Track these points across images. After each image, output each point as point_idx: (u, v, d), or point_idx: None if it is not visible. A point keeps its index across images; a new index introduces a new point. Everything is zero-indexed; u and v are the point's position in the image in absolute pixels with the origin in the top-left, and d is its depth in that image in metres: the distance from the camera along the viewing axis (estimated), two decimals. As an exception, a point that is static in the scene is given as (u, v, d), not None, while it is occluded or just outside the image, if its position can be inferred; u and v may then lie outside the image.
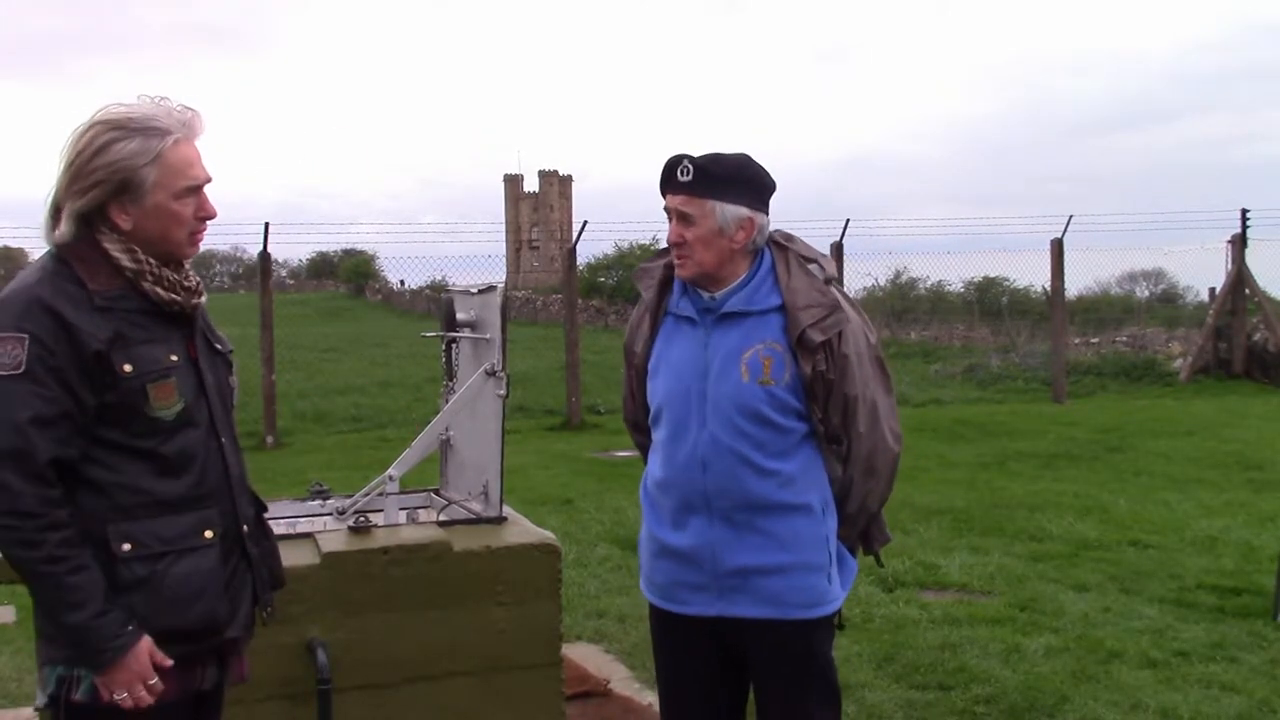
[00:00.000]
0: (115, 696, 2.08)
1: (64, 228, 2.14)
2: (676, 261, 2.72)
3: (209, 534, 2.19)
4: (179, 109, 2.20)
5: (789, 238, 2.79)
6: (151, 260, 2.16)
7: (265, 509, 2.45)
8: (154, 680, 2.10)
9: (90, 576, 2.05)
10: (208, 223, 2.24)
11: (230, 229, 15.71)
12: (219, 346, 2.34)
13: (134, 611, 2.09)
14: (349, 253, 54.53)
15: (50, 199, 2.17)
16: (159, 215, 2.15)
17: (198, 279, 2.27)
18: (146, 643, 2.09)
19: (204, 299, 2.27)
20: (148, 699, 2.09)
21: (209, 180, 2.22)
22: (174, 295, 2.18)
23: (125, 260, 2.14)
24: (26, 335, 2.04)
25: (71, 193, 2.13)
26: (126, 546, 2.10)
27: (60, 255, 2.15)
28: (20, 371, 2.03)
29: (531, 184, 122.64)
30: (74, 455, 2.08)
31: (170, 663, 2.12)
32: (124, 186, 2.12)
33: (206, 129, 2.22)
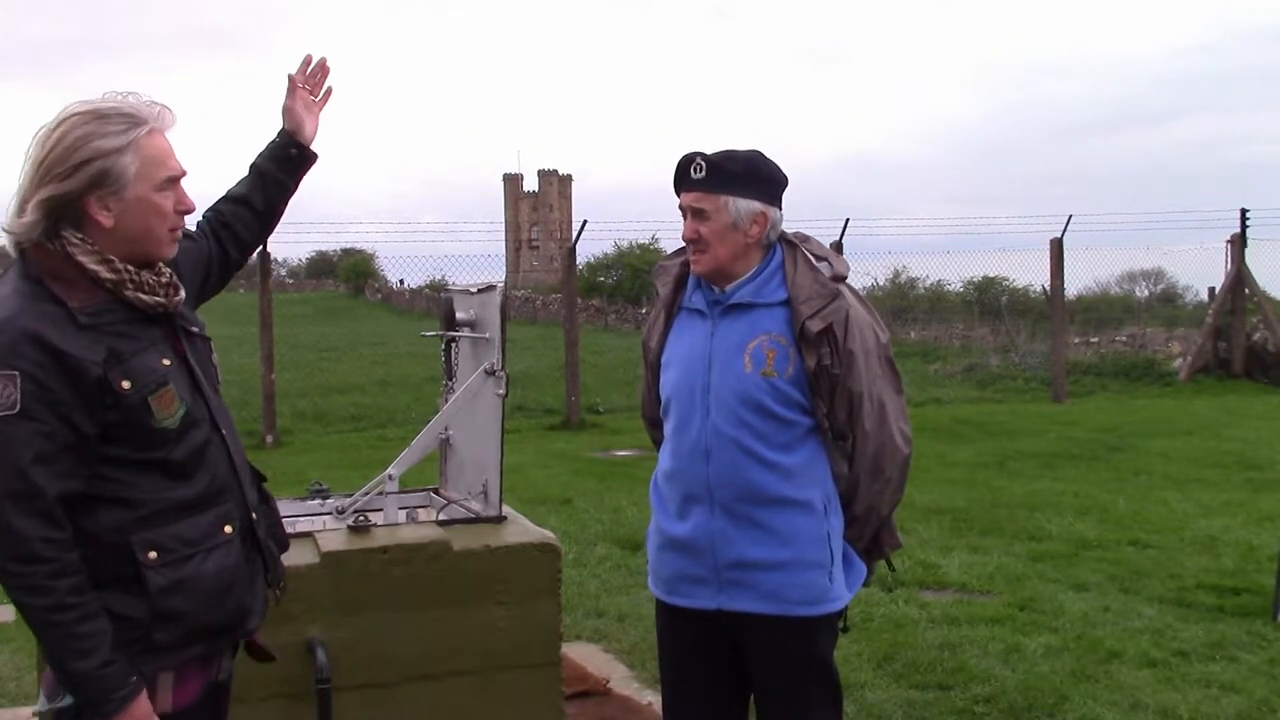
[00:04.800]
0: None
1: (29, 217, 1.99)
2: (692, 258, 2.75)
3: (229, 529, 2.17)
4: (148, 102, 2.11)
5: (804, 238, 2.84)
6: (129, 268, 2.06)
7: (265, 479, 2.40)
8: None
9: (99, 625, 1.99)
10: (185, 218, 2.16)
11: (230, 228, 15.70)
12: (195, 329, 2.25)
13: (176, 614, 2.05)
14: (348, 252, 54.44)
15: (16, 200, 2.04)
16: (142, 208, 2.05)
17: (170, 271, 2.17)
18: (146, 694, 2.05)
19: (182, 293, 2.19)
20: None
21: (185, 174, 2.14)
22: (156, 297, 2.10)
23: (104, 271, 2.02)
24: (17, 372, 1.93)
25: (45, 184, 2.00)
26: (152, 554, 2.04)
27: (29, 274, 2.02)
28: (15, 411, 1.92)
29: (531, 183, 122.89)
30: (79, 487, 2.00)
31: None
32: (103, 177, 2.01)
33: (178, 123, 2.13)
